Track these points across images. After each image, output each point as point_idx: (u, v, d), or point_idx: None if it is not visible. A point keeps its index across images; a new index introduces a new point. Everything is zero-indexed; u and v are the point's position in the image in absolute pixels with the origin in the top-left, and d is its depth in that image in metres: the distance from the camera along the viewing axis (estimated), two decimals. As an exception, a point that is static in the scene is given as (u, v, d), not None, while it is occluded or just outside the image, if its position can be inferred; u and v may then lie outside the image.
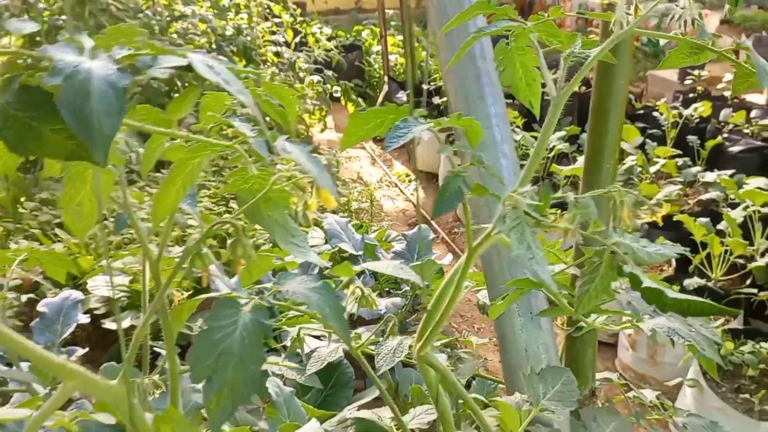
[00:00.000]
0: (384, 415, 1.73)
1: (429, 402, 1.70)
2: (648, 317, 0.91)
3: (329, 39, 7.12)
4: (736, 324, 2.79)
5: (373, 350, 1.34)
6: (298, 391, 2.26)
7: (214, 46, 5.58)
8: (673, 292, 0.50)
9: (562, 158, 4.73)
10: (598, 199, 1.11)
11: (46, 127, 0.45)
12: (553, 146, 4.55)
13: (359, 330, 2.87)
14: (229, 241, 0.62)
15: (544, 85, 0.77)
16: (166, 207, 0.63)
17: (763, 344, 2.51)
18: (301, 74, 6.17)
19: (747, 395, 2.37)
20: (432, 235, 3.20)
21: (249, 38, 5.85)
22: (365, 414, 1.56)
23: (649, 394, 1.51)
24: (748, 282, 3.02)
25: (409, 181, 5.51)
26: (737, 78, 0.78)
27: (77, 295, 2.73)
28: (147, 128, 0.58)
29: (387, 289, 2.91)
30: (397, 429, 1.68)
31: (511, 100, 5.70)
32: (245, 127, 0.61)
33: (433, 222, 4.62)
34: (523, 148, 4.64)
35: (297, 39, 6.62)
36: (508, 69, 0.89)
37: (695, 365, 2.47)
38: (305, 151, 0.58)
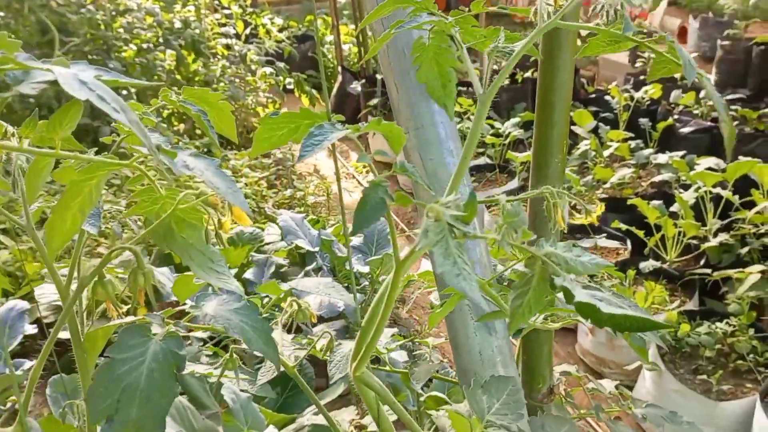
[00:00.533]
0: (344, 418, 1.69)
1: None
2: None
3: (281, 30, 7.01)
4: (692, 305, 2.83)
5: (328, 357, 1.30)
6: (257, 395, 2.20)
7: (161, 39, 5.44)
8: (607, 307, 0.47)
9: (518, 144, 4.74)
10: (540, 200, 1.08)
11: None
12: (509, 133, 4.55)
13: (319, 327, 2.82)
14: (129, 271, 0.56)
15: (468, 84, 0.73)
16: (62, 235, 0.57)
17: (718, 324, 2.54)
18: (253, 67, 6.05)
19: (705, 376, 2.40)
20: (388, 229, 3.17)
21: (197, 31, 5.71)
22: (321, 420, 1.52)
23: (608, 385, 1.50)
24: (701, 262, 3.06)
25: (367, 172, 5.46)
26: (655, 65, 0.76)
27: (22, 305, 2.61)
28: (30, 150, 0.52)
29: (345, 285, 2.87)
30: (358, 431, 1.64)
31: (465, 88, 5.69)
32: (154, 139, 0.55)
33: (392, 213, 4.59)
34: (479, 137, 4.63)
35: (247, 30, 6.49)
36: (424, 66, 0.85)
37: (653, 348, 2.49)
38: (212, 165, 0.53)
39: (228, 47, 5.95)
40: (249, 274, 2.89)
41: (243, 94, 5.60)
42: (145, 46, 5.16)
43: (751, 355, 2.44)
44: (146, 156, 0.53)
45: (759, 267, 2.70)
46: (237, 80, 5.73)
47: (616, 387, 1.50)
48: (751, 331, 2.48)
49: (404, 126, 1.05)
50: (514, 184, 4.23)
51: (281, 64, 5.99)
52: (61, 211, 0.55)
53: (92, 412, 0.49)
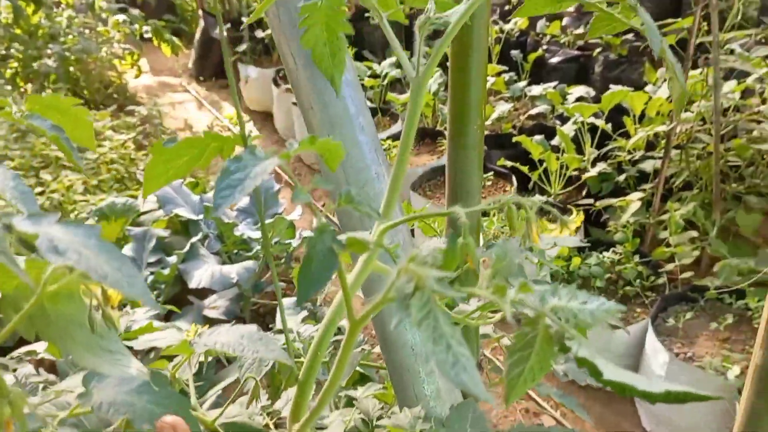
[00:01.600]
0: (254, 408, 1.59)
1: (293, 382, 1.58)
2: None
3: (130, -28, 6.42)
4: (579, 235, 2.92)
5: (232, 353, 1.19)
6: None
7: (-8, -11, 4.82)
8: (643, 384, 0.40)
9: (396, 84, 4.65)
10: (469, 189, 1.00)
11: None
12: (386, 73, 4.45)
13: (211, 299, 2.66)
14: None
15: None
16: None
17: (605, 254, 2.64)
18: (104, 15, 5.53)
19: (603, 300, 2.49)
20: (276, 186, 3.02)
21: (34, -23, 5.11)
22: (236, 415, 1.41)
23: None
24: (584, 193, 3.15)
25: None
26: (596, 22, 0.69)
27: None
28: None
29: (236, 251, 2.72)
30: (270, 420, 1.55)
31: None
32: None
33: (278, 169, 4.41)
34: (415, 129, 4.50)
35: (92, -25, 5.90)
36: (311, 30, 0.73)
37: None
38: (92, 236, 0.37)
39: (71, -6, 5.39)
40: (127, 250, 2.67)
41: (96, 47, 5.11)
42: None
43: (638, 281, 2.56)
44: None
45: (638, 194, 2.82)
46: (87, 31, 5.22)
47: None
48: (636, 258, 2.59)
49: (306, 102, 0.93)
50: (397, 127, 4.17)
51: (135, 11, 5.51)
52: None
53: None
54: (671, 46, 3.32)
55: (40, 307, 0.42)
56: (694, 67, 2.80)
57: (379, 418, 1.35)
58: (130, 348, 1.44)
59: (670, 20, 2.90)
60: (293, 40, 0.90)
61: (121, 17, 5.51)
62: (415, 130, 0.61)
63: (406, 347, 0.92)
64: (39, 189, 3.38)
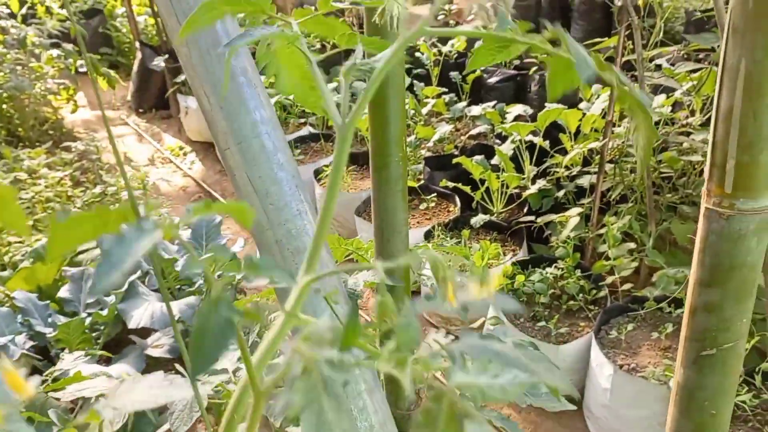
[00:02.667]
0: None
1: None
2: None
3: (63, 6, 6.30)
4: (522, 254, 2.96)
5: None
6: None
7: None
8: None
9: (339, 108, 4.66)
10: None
11: None
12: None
13: (154, 337, 2.59)
14: None
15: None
16: None
17: (548, 270, 2.67)
18: (36, 51, 5.41)
19: (543, 322, 2.52)
20: (218, 218, 2.98)
21: (-40, 14, 4.97)
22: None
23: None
24: (525, 210, 3.20)
25: (184, 154, 5.14)
26: (553, 75, 0.67)
27: None
28: None
29: (178, 287, 2.66)
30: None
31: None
32: None
33: (218, 195, 4.36)
34: (298, 105, 4.49)
35: (23, 10, 5.77)
36: (281, 76, 0.73)
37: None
38: None
39: (2, 30, 5.25)
40: (65, 292, 2.59)
41: (29, 83, 4.99)
42: None
43: (581, 295, 2.60)
44: None
45: (577, 210, 2.87)
46: (19, 68, 5.08)
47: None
48: (578, 272, 2.64)
49: (222, 143, 0.92)
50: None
51: (69, 46, 5.40)
52: None
53: None
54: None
55: None
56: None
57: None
58: (57, 399, 1.39)
59: (598, 39, 2.99)
60: (206, 82, 0.89)
61: (55, 52, 5.40)
62: (341, 175, 0.59)
63: (337, 385, 0.91)
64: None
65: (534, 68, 4.77)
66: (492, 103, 4.25)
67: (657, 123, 2.99)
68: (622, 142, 2.91)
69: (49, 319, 2.44)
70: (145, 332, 2.48)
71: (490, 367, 0.41)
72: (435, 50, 5.21)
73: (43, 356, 2.34)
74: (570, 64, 0.58)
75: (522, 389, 0.41)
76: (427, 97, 4.56)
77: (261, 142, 0.91)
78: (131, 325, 2.31)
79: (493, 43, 0.58)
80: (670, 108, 3.02)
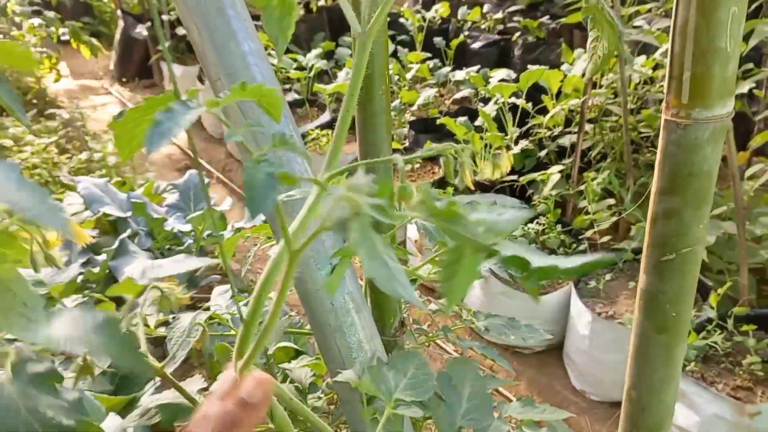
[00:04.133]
0: (192, 389, 1.60)
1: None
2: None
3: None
4: (505, 211, 3.02)
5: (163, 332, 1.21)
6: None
7: None
8: (564, 262, 0.46)
9: (323, 75, 4.68)
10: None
11: None
12: (312, 65, 4.48)
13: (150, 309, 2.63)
14: None
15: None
16: None
17: (530, 225, 2.74)
18: (17, 19, 5.36)
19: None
20: (206, 180, 3.01)
21: (-62, -18, 4.91)
22: (167, 397, 1.43)
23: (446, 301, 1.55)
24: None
25: (169, 122, 5.13)
26: None
27: None
28: None
29: (167, 246, 2.70)
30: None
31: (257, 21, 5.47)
32: None
33: (204, 162, 4.38)
34: (282, 71, 4.51)
35: (2, -22, 5.70)
36: None
37: (477, 257, 2.64)
38: (13, 173, 0.40)
39: (-18, -1, 5.20)
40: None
41: (10, 52, 4.94)
42: None
43: (561, 249, 2.68)
44: None
45: (557, 167, 2.93)
46: (1, 36, 5.04)
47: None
48: (559, 227, 2.71)
49: (213, 74, 0.96)
50: (326, 117, 4.20)
51: (51, 14, 5.35)
52: None
53: None
54: (579, 24, 3.43)
55: None
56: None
57: (311, 384, 1.40)
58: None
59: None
60: (195, 11, 0.92)
61: (37, 21, 5.35)
62: (360, 83, 0.63)
63: (326, 304, 0.96)
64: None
65: (517, 33, 4.80)
66: (476, 68, 4.30)
67: (638, 83, 3.04)
68: (602, 101, 2.97)
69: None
70: (136, 290, 2.52)
71: (495, 209, 0.46)
72: (419, 16, 5.23)
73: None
74: None
75: (520, 221, 0.46)
76: (411, 62, 4.59)
77: (251, 74, 0.95)
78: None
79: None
80: (650, 69, 3.07)
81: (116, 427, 1.39)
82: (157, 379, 1.80)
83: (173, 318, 1.17)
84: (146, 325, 1.22)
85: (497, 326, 1.38)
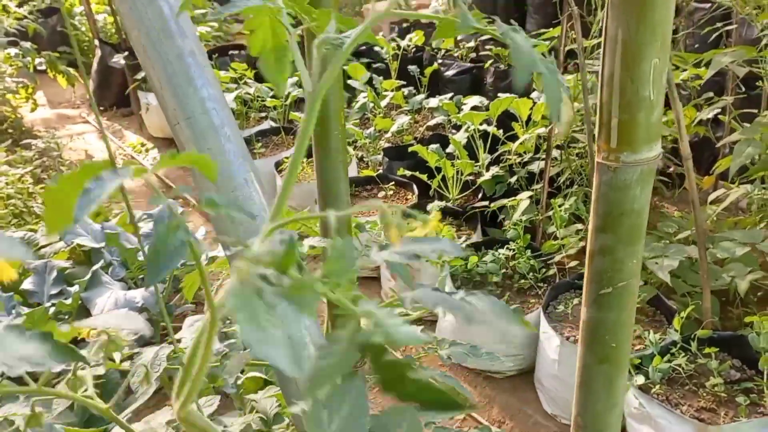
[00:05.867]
0: (160, 421, 1.62)
1: (210, 392, 1.62)
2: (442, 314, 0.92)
3: (20, 5, 6.25)
4: (476, 237, 3.07)
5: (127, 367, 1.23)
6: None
7: None
8: (416, 377, 0.47)
9: (300, 103, 4.74)
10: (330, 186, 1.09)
11: None
12: (289, 93, 4.54)
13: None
14: None
15: (240, 48, 0.70)
16: None
17: (501, 251, 2.79)
18: (-7, 49, 5.36)
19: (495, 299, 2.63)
20: (181, 209, 3.03)
21: None
22: (137, 428, 1.44)
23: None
24: (479, 196, 3.32)
25: (146, 150, 5.15)
26: (440, 28, 0.77)
27: None
28: None
29: (141, 276, 2.71)
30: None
31: (237, 51, 5.54)
32: None
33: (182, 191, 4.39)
34: (259, 100, 4.56)
35: (-22, 8, 5.72)
36: (258, 32, 0.78)
37: (449, 282, 2.68)
38: None
39: (-43, 29, 5.20)
40: (28, 284, 2.62)
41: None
42: None
43: (531, 274, 2.73)
44: None
45: (527, 193, 3.00)
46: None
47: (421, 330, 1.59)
48: (528, 252, 2.76)
49: (172, 118, 0.99)
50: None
51: (27, 44, 5.37)
52: None
53: None
54: (551, 51, 3.51)
55: None
56: (566, 72, 3.02)
57: (276, 415, 1.42)
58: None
59: (543, 30, 3.12)
60: (156, 61, 0.96)
61: (13, 51, 5.36)
62: (308, 138, 0.67)
63: (284, 339, 0.99)
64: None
65: (490, 61, 4.90)
66: (449, 95, 4.37)
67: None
68: (568, 129, 3.04)
69: (14, 311, 2.47)
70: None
71: (394, 319, 0.48)
72: (394, 44, 5.31)
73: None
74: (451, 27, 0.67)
75: (417, 342, 0.48)
76: (386, 90, 4.66)
77: (209, 118, 0.99)
78: (95, 312, 2.36)
79: (452, 25, 0.67)
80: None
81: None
82: (129, 413, 1.81)
83: (136, 353, 1.19)
84: (111, 359, 1.24)
85: (459, 354, 1.42)
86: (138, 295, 2.45)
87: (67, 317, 2.50)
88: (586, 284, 0.88)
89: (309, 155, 4.04)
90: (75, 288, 2.50)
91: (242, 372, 1.51)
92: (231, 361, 1.18)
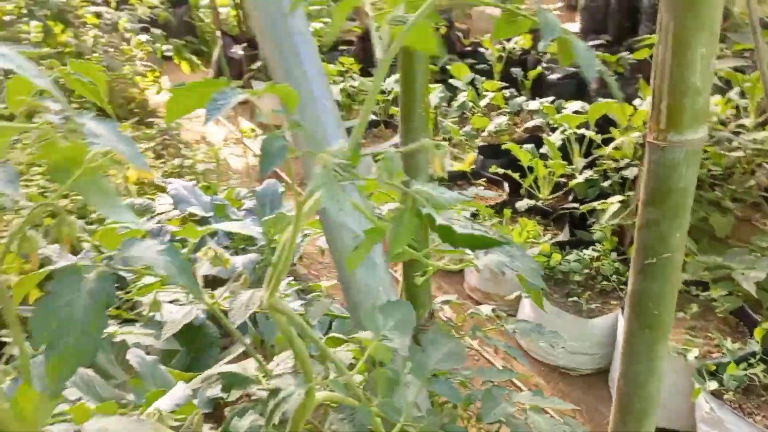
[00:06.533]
0: (249, 366, 1.80)
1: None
2: (482, 254, 1.03)
3: (153, -5, 6.77)
4: (563, 237, 3.11)
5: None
6: (165, 358, 2.28)
7: (24, 11, 5.16)
8: (461, 229, 0.61)
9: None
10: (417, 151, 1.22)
11: None
12: (391, 89, 4.70)
13: (219, 291, 2.88)
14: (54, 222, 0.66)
15: (348, 43, 0.84)
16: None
17: (586, 251, 2.82)
18: (127, 35, 5.86)
19: (576, 298, 2.67)
20: (281, 188, 3.25)
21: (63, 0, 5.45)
22: (229, 367, 1.62)
23: (485, 309, 1.68)
24: (570, 198, 3.35)
25: (256, 136, 5.47)
26: (500, 23, 0.87)
27: None
28: None
29: (242, 246, 2.94)
30: (263, 377, 1.76)
31: (347, 47, 5.77)
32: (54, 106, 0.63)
33: (283, 174, 4.65)
34: (362, 93, 4.75)
35: (117, -3, 6.25)
36: (336, 19, 0.93)
37: (531, 278, 2.74)
38: (114, 129, 0.62)
39: (98, 15, 5.71)
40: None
41: (119, 65, 5.43)
42: (7, 18, 4.90)
43: (614, 276, 2.74)
44: (51, 122, 0.61)
45: (618, 197, 3.00)
46: (111, 50, 5.53)
47: (493, 311, 1.68)
48: (614, 255, 2.78)
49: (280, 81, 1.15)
50: (398, 137, 4.39)
51: (157, 31, 5.82)
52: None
53: (35, 339, 0.58)
54: (646, 61, 3.47)
55: (82, 175, 0.65)
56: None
57: (350, 366, 1.56)
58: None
59: (646, 36, 3.11)
60: (270, 39, 1.13)
61: (144, 37, 5.83)
62: (375, 97, 0.81)
63: (360, 287, 1.13)
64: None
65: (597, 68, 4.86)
66: (550, 99, 4.40)
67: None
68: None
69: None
70: (216, 282, 2.77)
71: (439, 189, 0.62)
72: (499, 47, 5.38)
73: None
74: (514, 20, 0.79)
75: (457, 201, 0.61)
76: (487, 90, 4.73)
77: (310, 88, 1.14)
78: (200, 272, 2.60)
79: (509, 18, 0.79)
80: (719, 107, 3.11)
81: (182, 391, 1.60)
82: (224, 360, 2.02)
83: (233, 294, 1.36)
84: (212, 299, 1.43)
85: (524, 329, 1.51)
86: (239, 261, 2.66)
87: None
88: (634, 254, 0.97)
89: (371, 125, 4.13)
90: (183, 251, 2.75)
91: (325, 334, 1.66)
92: (313, 308, 1.33)
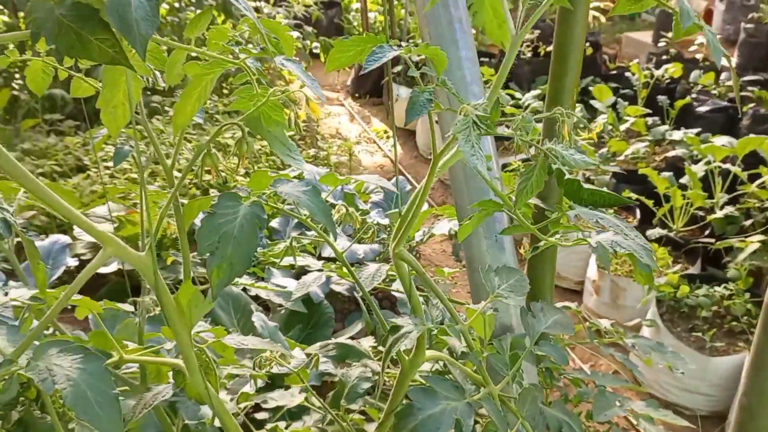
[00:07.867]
0: (364, 343, 1.87)
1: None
2: (594, 233, 1.03)
3: (309, -5, 7.11)
4: (694, 270, 2.97)
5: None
6: (282, 328, 2.41)
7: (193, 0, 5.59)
8: (587, 186, 0.62)
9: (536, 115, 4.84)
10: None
11: (93, 36, 0.55)
12: (528, 104, 4.67)
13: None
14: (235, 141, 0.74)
15: (489, 55, 0.87)
16: (184, 116, 0.74)
17: (717, 288, 2.68)
18: (281, 30, 6.19)
19: (699, 334, 2.55)
20: (408, 187, 3.33)
21: (228, -8, 5.86)
22: (345, 340, 1.69)
23: (605, 322, 1.65)
24: (706, 233, 3.18)
25: (387, 137, 5.60)
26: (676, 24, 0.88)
27: (65, 239, 2.81)
28: (171, 43, 0.68)
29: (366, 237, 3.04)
30: (375, 356, 1.81)
31: (487, 59, 5.79)
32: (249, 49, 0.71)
33: (409, 176, 4.74)
34: (500, 106, 4.75)
35: (276, -6, 6.62)
36: (479, 13, 0.98)
37: (653, 307, 2.64)
38: (299, 67, 0.69)
39: (257, 10, 6.08)
40: (275, 223, 3.07)
41: (271, 57, 5.74)
42: (177, 5, 5.33)
43: (746, 318, 2.58)
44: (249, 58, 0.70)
45: (760, 237, 2.83)
46: (280, 23, 5.88)
47: (612, 325, 1.65)
48: (747, 296, 2.62)
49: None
50: (531, 150, 4.36)
51: (309, 29, 6.11)
52: (185, 98, 0.73)
53: (200, 247, 0.66)
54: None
55: (260, 121, 0.73)
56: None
57: (462, 353, 1.58)
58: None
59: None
60: (432, 23, 1.18)
61: (296, 33, 6.14)
62: (510, 65, 0.85)
63: (485, 267, 1.15)
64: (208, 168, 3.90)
65: (751, 105, 4.60)
66: (696, 130, 4.20)
67: None
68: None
69: (262, 242, 2.92)
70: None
71: (571, 150, 0.64)
72: (647, 72, 5.20)
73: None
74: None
75: (586, 165, 0.63)
76: (629, 115, 4.59)
77: (463, 73, 1.18)
78: (324, 254, 2.71)
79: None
80: None
81: (300, 354, 1.69)
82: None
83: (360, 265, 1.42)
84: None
85: (644, 346, 1.47)
86: (360, 249, 2.75)
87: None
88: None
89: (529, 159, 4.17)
90: (312, 234, 2.88)
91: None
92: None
